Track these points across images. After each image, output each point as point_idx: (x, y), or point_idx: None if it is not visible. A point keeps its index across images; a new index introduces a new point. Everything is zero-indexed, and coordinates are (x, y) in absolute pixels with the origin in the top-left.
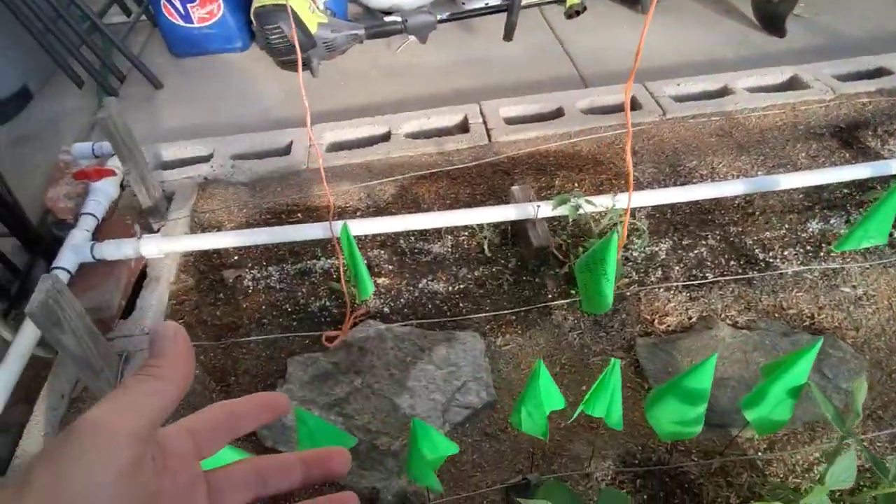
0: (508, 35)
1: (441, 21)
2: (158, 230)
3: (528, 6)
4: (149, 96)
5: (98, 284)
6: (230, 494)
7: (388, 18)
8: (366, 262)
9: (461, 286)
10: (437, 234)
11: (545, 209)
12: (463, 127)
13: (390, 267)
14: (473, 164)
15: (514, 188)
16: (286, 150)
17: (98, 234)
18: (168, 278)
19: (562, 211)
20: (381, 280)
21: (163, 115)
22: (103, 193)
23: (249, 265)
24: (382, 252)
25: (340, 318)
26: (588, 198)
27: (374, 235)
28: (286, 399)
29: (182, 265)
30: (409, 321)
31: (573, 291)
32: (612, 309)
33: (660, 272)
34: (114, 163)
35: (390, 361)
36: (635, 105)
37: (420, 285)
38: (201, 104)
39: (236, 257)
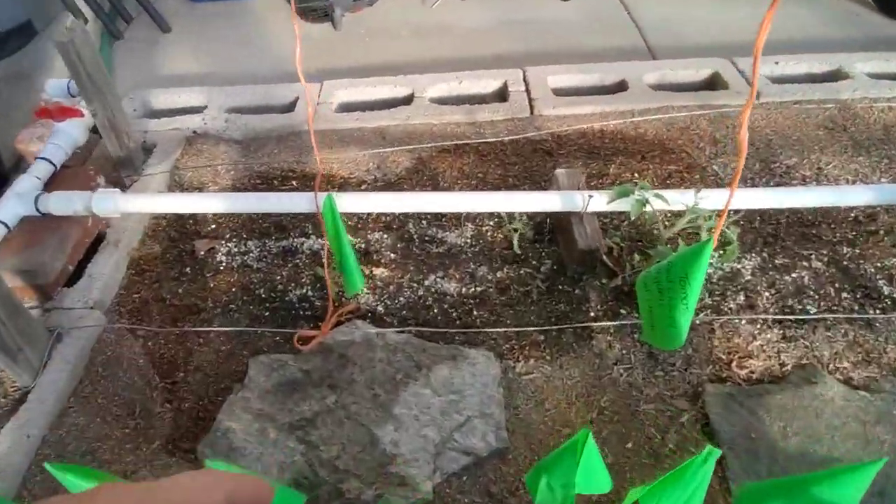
0: None
1: None
2: (130, 186)
3: None
4: (154, 40)
5: (38, 243)
6: None
7: None
8: (364, 246)
9: (478, 289)
10: (456, 220)
11: (598, 201)
12: (501, 95)
13: (392, 255)
14: (509, 139)
15: (559, 171)
16: (289, 108)
17: (52, 184)
18: (130, 244)
19: (620, 206)
20: (378, 271)
21: (165, 60)
22: (65, 137)
23: (227, 237)
24: (386, 236)
25: (323, 312)
26: (659, 192)
27: (379, 216)
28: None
29: (150, 229)
30: (408, 327)
31: (624, 311)
32: None
33: (742, 298)
34: None
35: (376, 377)
36: (719, 84)
37: (426, 282)
38: (209, 52)
39: (213, 226)
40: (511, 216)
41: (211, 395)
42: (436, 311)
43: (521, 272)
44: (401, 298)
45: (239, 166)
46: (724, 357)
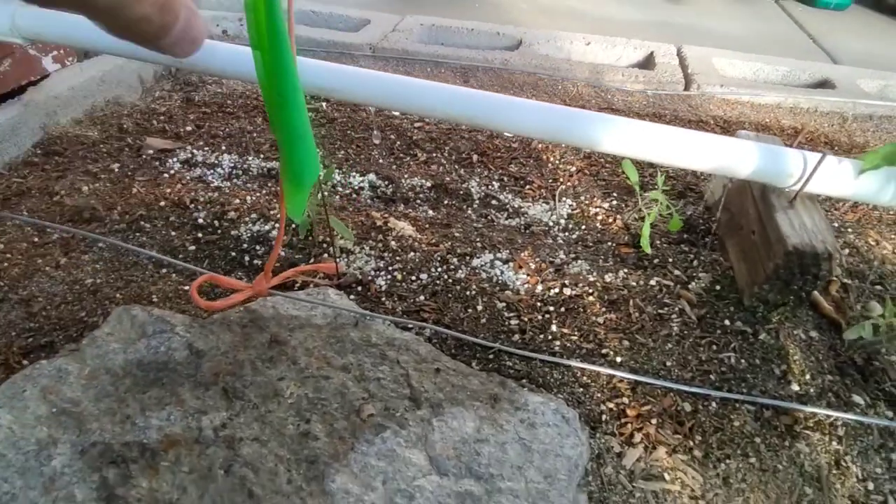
0: None
1: None
2: None
3: None
4: None
5: None
6: None
7: None
8: (391, 188)
9: (567, 291)
10: (546, 188)
11: (838, 172)
12: (642, 66)
13: (429, 211)
14: (649, 111)
15: (744, 132)
16: (353, 27)
17: None
18: (54, 115)
19: (882, 194)
20: (399, 225)
21: None
22: None
23: (200, 144)
24: (426, 183)
25: (281, 264)
26: None
27: (419, 156)
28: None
29: (98, 110)
30: (421, 321)
31: (860, 400)
32: None
33: None
34: None
35: (323, 400)
36: None
37: (476, 262)
38: None
39: (190, 128)
40: (642, 196)
41: (12, 350)
42: (480, 307)
43: (653, 283)
44: (423, 276)
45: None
46: None
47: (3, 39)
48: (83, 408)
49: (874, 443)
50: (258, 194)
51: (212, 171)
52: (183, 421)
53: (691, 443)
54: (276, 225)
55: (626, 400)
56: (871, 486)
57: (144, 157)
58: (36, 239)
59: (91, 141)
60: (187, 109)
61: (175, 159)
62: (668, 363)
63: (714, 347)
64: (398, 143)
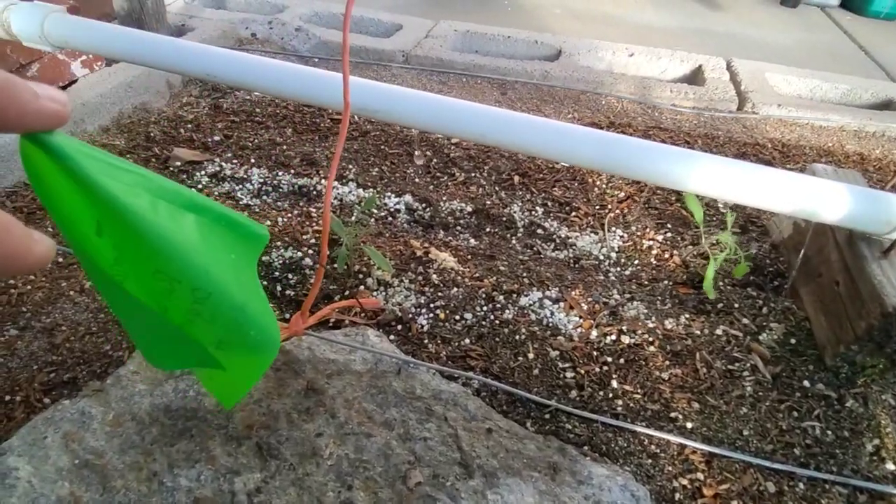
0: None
1: None
2: None
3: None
4: None
5: None
6: None
7: None
8: (429, 214)
9: (625, 338)
10: (593, 216)
11: None
12: (691, 81)
13: (472, 240)
14: (700, 132)
15: (819, 166)
16: (385, 33)
17: None
18: (80, 121)
19: None
20: (441, 256)
21: None
22: None
23: (228, 156)
24: (466, 207)
25: (320, 296)
26: None
27: (458, 176)
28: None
29: (126, 117)
30: (469, 371)
31: None
32: None
33: None
34: None
35: (365, 462)
36: None
37: (524, 300)
38: None
39: (218, 138)
40: (707, 231)
41: (34, 386)
42: (532, 356)
43: (719, 332)
44: (468, 315)
45: None
46: None
47: (32, 46)
48: (107, 460)
49: None
50: (290, 215)
51: (241, 186)
52: (214, 482)
53: None
54: (310, 251)
55: (700, 476)
56: None
57: (172, 168)
58: (61, 259)
59: (118, 150)
60: (215, 117)
61: (203, 172)
62: (745, 432)
63: (795, 414)
64: (434, 160)
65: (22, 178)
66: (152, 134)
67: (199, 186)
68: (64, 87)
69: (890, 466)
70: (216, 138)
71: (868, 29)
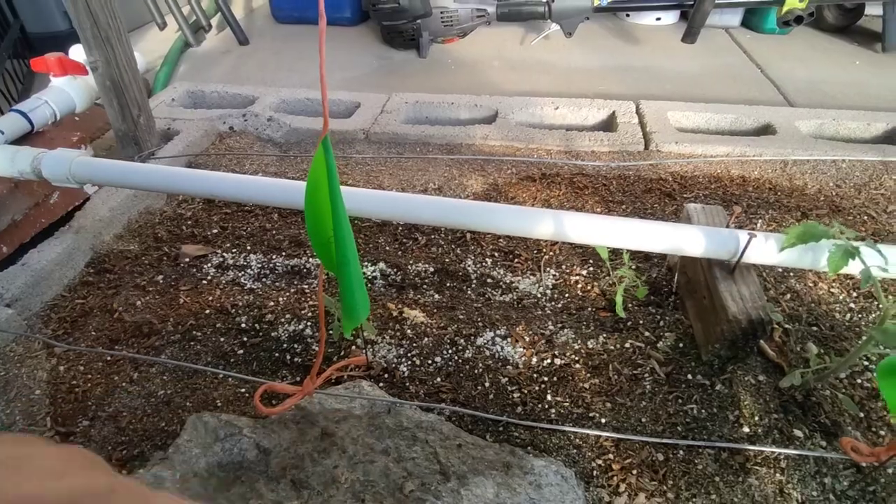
0: (690, 35)
1: (600, 9)
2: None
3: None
4: (228, 50)
5: None
6: None
7: None
8: (399, 277)
9: (557, 361)
10: (531, 260)
11: (764, 247)
12: (606, 127)
13: (435, 295)
14: (615, 173)
15: (692, 206)
16: (346, 113)
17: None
18: (100, 235)
19: (800, 258)
20: (411, 313)
21: (231, 67)
22: (58, 95)
23: (227, 246)
24: (430, 269)
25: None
26: (873, 243)
27: (428, 242)
28: None
29: (135, 223)
30: (440, 403)
31: (800, 433)
32: None
33: None
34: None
35: (372, 482)
36: None
37: (479, 340)
38: (277, 65)
39: (216, 231)
40: (615, 264)
41: (112, 462)
42: (487, 384)
43: (627, 345)
44: (437, 358)
45: (269, 168)
46: None
47: (59, 185)
48: None
49: (811, 470)
50: (287, 293)
51: (242, 272)
52: None
53: (665, 487)
54: (309, 324)
55: (611, 456)
56: (822, 497)
57: (182, 265)
58: (108, 357)
59: (133, 254)
60: (210, 212)
61: (209, 265)
62: (644, 419)
63: (679, 401)
64: (400, 228)
65: (59, 292)
66: (159, 234)
67: (208, 278)
68: (80, 206)
69: (746, 430)
70: (214, 231)
71: (765, 46)
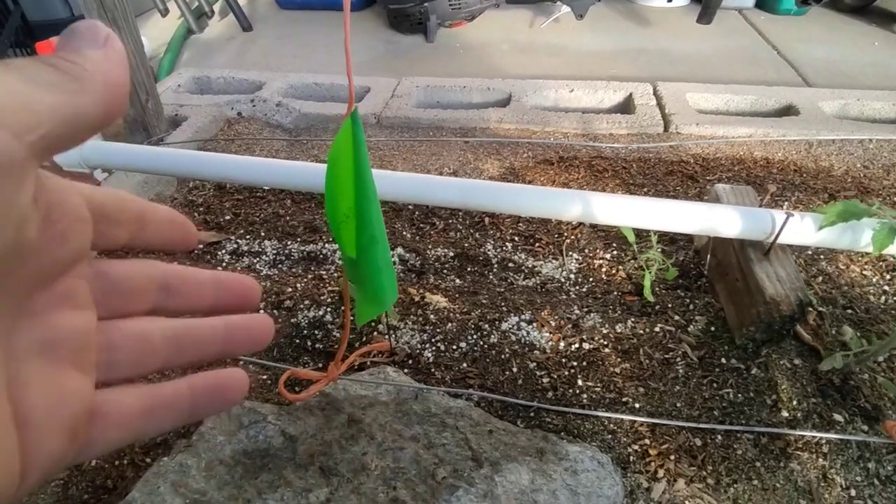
0: (706, 15)
1: None
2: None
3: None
4: (232, 36)
5: None
6: (125, 298)
7: None
8: (419, 262)
9: (585, 346)
10: (553, 244)
11: (802, 227)
12: (623, 109)
13: (457, 280)
14: (635, 156)
15: (720, 186)
16: (358, 96)
17: None
18: None
19: (840, 238)
20: (434, 298)
21: (235, 54)
22: None
23: (241, 232)
24: (448, 252)
25: (336, 344)
26: None
27: (438, 224)
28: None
29: None
30: (468, 388)
31: (840, 417)
32: None
33: None
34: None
35: (402, 469)
36: None
37: (504, 325)
38: (281, 52)
39: (228, 217)
40: (641, 248)
41: (135, 450)
42: (515, 369)
43: (657, 329)
44: (462, 344)
45: (281, 154)
46: None
47: (71, 170)
48: (210, 497)
49: (854, 455)
50: (305, 280)
51: (258, 258)
52: (295, 500)
53: (704, 472)
54: (329, 310)
55: (647, 441)
56: (853, 492)
57: (195, 251)
58: None
59: None
60: (221, 198)
61: (224, 251)
62: (678, 404)
63: (715, 385)
64: (416, 213)
65: None
66: None
67: (223, 265)
68: None
69: (784, 414)
70: (227, 217)
71: (780, 27)
